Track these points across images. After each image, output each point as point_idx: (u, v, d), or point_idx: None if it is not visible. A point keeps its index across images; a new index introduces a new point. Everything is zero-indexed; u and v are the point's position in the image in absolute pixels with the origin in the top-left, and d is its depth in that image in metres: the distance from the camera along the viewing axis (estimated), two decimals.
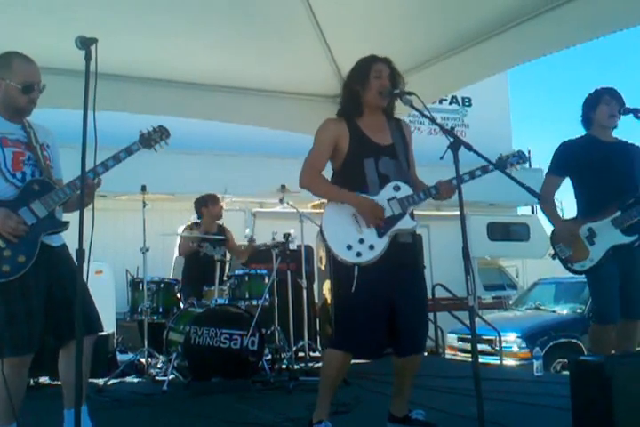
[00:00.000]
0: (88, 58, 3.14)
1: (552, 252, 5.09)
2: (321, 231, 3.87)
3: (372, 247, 3.75)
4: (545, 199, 5.02)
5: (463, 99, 19.25)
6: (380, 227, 3.78)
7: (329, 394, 3.91)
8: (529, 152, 19.58)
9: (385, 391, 4.30)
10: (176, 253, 8.19)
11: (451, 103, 19.02)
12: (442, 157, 3.59)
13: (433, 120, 3.79)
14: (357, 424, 4.35)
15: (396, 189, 3.87)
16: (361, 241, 3.76)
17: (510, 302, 13.32)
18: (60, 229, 3.58)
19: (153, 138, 3.86)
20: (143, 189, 6.91)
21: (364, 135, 3.95)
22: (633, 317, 4.86)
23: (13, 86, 3.57)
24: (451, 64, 6.83)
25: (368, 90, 3.93)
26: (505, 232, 14.85)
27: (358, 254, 3.74)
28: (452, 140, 3.54)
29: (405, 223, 3.85)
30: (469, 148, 3.49)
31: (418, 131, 18.26)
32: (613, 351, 4.80)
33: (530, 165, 19.49)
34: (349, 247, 3.75)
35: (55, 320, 3.54)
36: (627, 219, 4.79)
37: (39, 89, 3.64)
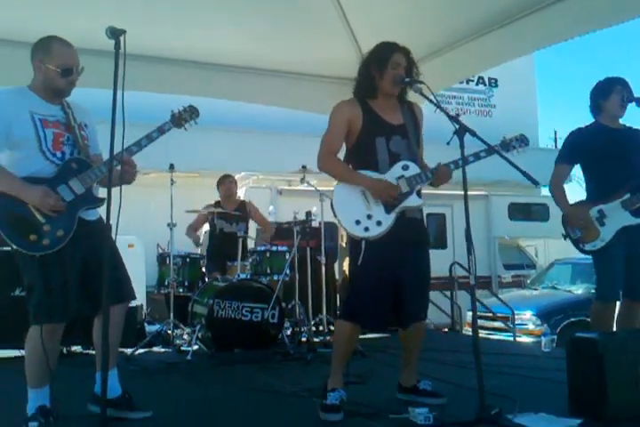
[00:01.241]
0: (117, 47, 3.28)
1: (564, 233, 5.21)
2: (332, 207, 4.04)
3: (379, 223, 3.94)
4: (555, 186, 5.22)
5: (490, 79, 19.22)
6: (394, 201, 3.96)
7: (341, 364, 4.10)
8: (555, 133, 19.56)
9: (399, 365, 4.48)
10: (204, 230, 8.49)
11: (477, 84, 19.00)
12: (448, 143, 3.81)
13: (439, 106, 3.91)
14: (370, 394, 4.44)
15: (405, 167, 4.04)
16: (369, 217, 3.94)
17: (528, 281, 13.39)
18: (97, 205, 3.74)
19: (183, 117, 4.00)
20: (171, 167, 7.09)
21: (376, 115, 4.12)
22: (631, 297, 5.01)
23: (52, 70, 3.72)
24: (478, 45, 6.89)
25: (385, 79, 4.10)
26: (525, 212, 14.90)
27: (366, 229, 3.92)
28: (457, 126, 3.72)
29: (412, 201, 4.03)
30: (473, 133, 3.69)
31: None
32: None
33: (556, 146, 19.53)
34: (358, 222, 3.93)
35: (91, 290, 3.69)
36: (635, 201, 4.93)
37: (77, 72, 3.79)
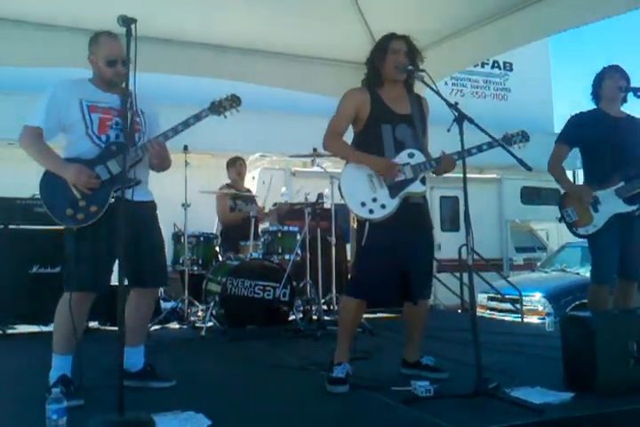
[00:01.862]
0: (129, 35, 3.43)
1: (559, 216, 5.38)
2: (339, 188, 4.22)
3: (383, 206, 4.11)
4: (553, 165, 5.35)
5: (505, 63, 19.22)
6: (393, 178, 4.13)
7: (347, 339, 4.28)
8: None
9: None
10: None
11: (492, 67, 19.01)
12: (449, 130, 3.90)
13: (439, 94, 3.97)
14: (376, 369, 4.58)
15: (411, 155, 4.20)
16: (374, 200, 4.11)
17: (538, 264, 13.47)
18: (130, 185, 3.90)
19: (223, 105, 4.13)
20: (185, 148, 7.18)
21: (384, 103, 4.29)
22: (630, 277, 5.18)
23: (100, 61, 4.03)
24: (490, 30, 6.98)
25: (386, 65, 4.28)
26: (537, 196, 14.93)
27: (371, 211, 4.10)
28: (456, 114, 3.86)
29: (416, 187, 4.20)
30: (471, 121, 3.81)
31: (460, 93, 18.39)
32: None
33: None
34: (363, 204, 4.11)
35: (132, 267, 3.91)
36: (629, 189, 5.06)
37: (123, 62, 3.98)
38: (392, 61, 4.26)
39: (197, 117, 4.08)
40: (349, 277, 8.31)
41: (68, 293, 3.84)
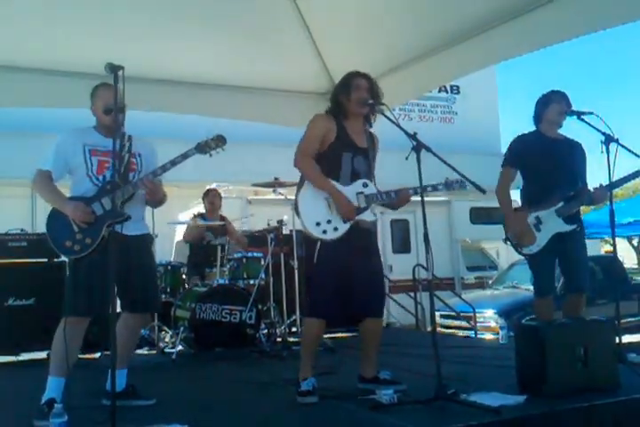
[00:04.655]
0: (116, 81, 3.81)
1: (504, 237, 5.57)
2: (296, 205, 4.50)
3: (335, 229, 4.42)
4: (502, 188, 5.57)
5: (452, 87, 19.42)
6: (350, 220, 4.44)
7: (310, 356, 4.55)
8: None
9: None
10: (177, 239, 8.89)
11: (440, 91, 19.21)
12: (407, 158, 4.26)
13: (398, 125, 4.28)
14: (339, 382, 4.88)
15: (365, 185, 4.56)
16: (328, 222, 4.42)
17: (490, 282, 13.79)
18: (121, 220, 4.17)
19: (209, 145, 4.41)
20: None
21: (347, 134, 4.62)
22: (579, 290, 5.42)
23: (98, 110, 4.45)
24: (441, 59, 7.12)
25: (349, 100, 4.63)
26: (486, 216, 15.05)
27: (324, 232, 4.40)
28: (414, 143, 4.22)
29: (367, 216, 4.55)
30: (429, 150, 4.19)
31: (407, 118, 18.75)
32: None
33: None
34: (318, 224, 4.40)
35: (123, 295, 4.36)
36: (568, 209, 5.33)
37: (120, 109, 4.27)
38: (355, 97, 4.60)
39: (184, 156, 4.40)
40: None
41: (64, 317, 4.17)
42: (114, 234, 3.89)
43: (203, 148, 4.41)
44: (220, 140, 4.43)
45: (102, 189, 4.33)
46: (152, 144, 4.47)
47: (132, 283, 4.34)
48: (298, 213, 4.49)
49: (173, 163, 4.37)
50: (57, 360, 4.19)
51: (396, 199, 4.59)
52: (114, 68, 3.80)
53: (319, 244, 4.45)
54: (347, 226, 4.45)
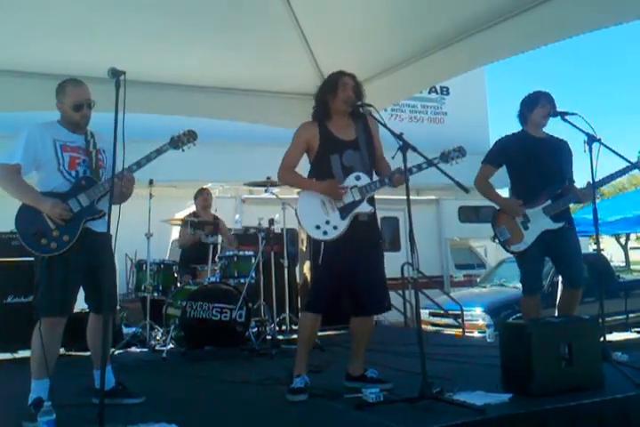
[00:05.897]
0: (118, 85, 3.85)
1: (493, 235, 5.67)
2: (296, 214, 4.66)
3: (335, 228, 4.57)
4: (479, 182, 5.66)
5: (441, 88, 19.57)
6: (340, 198, 4.57)
7: (305, 352, 4.68)
8: None
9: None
10: (172, 238, 8.95)
11: (430, 92, 19.23)
12: (393, 157, 4.39)
13: (385, 126, 4.46)
14: (327, 380, 4.93)
15: (357, 178, 4.65)
16: (327, 222, 4.57)
17: (478, 280, 13.78)
18: (98, 216, 4.29)
19: (181, 140, 4.51)
20: (150, 182, 7.44)
21: (331, 135, 4.74)
22: (574, 285, 5.48)
23: (67, 107, 4.42)
24: (429, 62, 7.31)
25: (336, 99, 4.74)
26: (474, 215, 15.31)
27: (325, 233, 4.56)
28: (400, 143, 4.31)
29: (363, 208, 4.65)
30: (415, 150, 4.27)
31: (398, 118, 18.84)
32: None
33: None
34: (318, 227, 4.57)
35: (90, 293, 4.40)
36: (555, 207, 5.41)
37: (89, 106, 4.42)
38: (342, 96, 4.71)
39: (158, 152, 4.47)
40: (299, 297, 8.68)
41: (39, 320, 4.16)
42: (87, 231, 4.02)
43: (176, 142, 4.51)
44: (191, 135, 4.55)
45: (77, 184, 4.34)
46: (110, 139, 4.53)
47: (95, 282, 4.30)
48: (299, 221, 4.66)
49: (149, 158, 4.43)
50: (36, 365, 4.17)
51: (391, 184, 4.65)
52: (116, 73, 3.87)
53: (323, 245, 4.59)
54: (346, 222, 4.59)
